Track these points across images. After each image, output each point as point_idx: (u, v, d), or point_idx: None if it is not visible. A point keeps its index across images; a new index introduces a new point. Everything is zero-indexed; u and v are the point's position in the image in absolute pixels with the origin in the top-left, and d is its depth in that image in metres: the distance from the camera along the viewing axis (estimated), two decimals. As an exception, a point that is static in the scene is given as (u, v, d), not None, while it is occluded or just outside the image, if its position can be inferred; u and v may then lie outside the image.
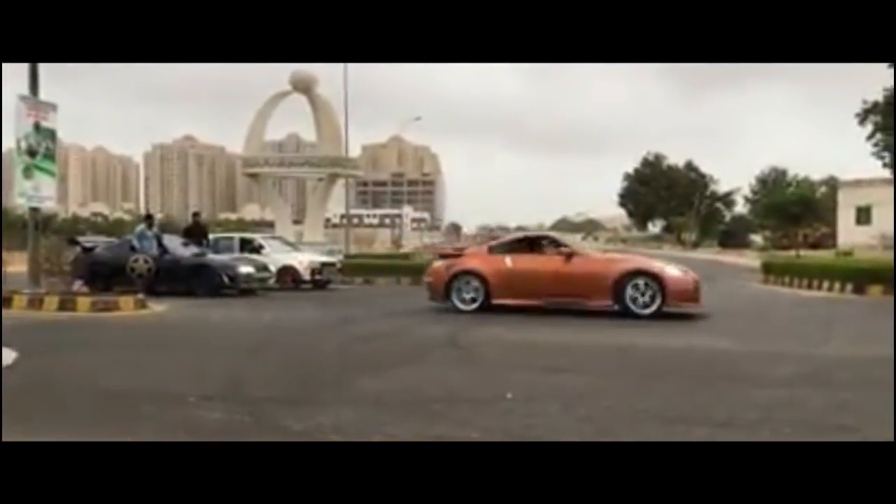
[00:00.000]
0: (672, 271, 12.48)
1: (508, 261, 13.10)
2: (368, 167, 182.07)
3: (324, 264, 19.68)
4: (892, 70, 25.61)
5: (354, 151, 79.46)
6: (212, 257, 17.47)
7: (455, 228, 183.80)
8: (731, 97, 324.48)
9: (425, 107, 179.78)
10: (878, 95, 26.70)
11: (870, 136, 27.13)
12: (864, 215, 50.29)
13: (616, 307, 12.25)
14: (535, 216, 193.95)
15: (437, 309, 13.48)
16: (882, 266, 19.11)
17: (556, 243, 13.63)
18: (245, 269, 16.89)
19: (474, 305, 12.93)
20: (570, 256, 12.85)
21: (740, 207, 73.58)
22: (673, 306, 12.06)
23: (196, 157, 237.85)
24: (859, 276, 17.54)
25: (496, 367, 7.82)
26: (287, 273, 18.75)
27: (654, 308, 12.00)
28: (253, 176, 41.63)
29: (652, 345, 9.37)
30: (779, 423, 5.28)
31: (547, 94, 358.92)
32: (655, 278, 12.16)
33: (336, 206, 61.47)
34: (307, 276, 18.92)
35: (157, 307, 13.49)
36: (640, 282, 12.15)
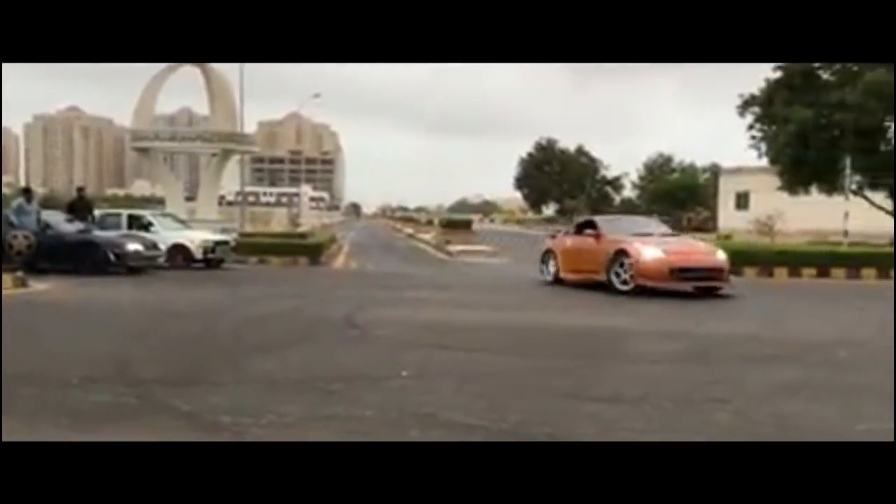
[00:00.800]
0: (649, 252, 12.97)
1: (569, 241, 15.07)
2: (265, 144, 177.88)
3: (217, 243, 19.16)
4: (768, 66, 27.06)
5: (250, 127, 77.39)
6: (97, 234, 16.73)
7: (355, 208, 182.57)
8: (621, 85, 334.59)
9: (325, 84, 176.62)
10: (756, 90, 28.15)
11: (750, 127, 28.57)
12: (742, 201, 53.19)
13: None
14: (434, 197, 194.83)
15: (334, 289, 13.42)
16: (756, 249, 20.33)
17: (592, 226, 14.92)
18: (133, 247, 16.26)
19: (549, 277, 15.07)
20: (598, 237, 14.07)
21: (629, 192, 76.34)
22: (644, 282, 12.71)
23: (82, 129, 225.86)
24: (736, 258, 18.57)
25: (392, 345, 7.89)
26: (178, 251, 18.16)
27: (631, 285, 12.80)
28: (142, 150, 40.10)
29: (548, 323, 9.66)
30: (660, 398, 5.59)
31: (446, 76, 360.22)
32: (630, 257, 12.92)
33: (231, 183, 59.85)
34: (199, 255, 18.38)
35: (39, 285, 12.84)
36: (623, 260, 13.07)
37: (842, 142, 25.40)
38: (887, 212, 27.93)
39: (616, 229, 14.51)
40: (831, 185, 27.31)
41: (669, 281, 12.67)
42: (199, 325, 9.21)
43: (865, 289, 15.91)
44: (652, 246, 13.09)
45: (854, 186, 26.49)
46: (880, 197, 28.06)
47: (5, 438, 3.84)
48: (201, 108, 58.40)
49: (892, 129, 26.76)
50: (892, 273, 17.82)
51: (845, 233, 23.10)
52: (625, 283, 12.93)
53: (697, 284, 12.96)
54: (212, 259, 18.58)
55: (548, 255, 15.40)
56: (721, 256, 13.48)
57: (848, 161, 24.01)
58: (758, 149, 28.96)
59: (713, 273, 13.00)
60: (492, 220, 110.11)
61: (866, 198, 27.99)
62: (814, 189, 28.85)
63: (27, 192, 16.79)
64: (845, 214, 22.80)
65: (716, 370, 6.83)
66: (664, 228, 15.87)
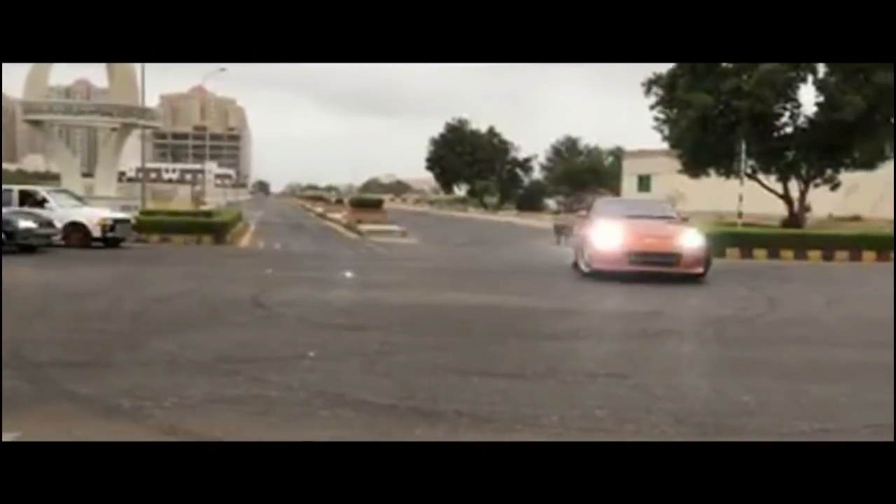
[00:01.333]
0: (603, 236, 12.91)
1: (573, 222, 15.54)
2: (168, 119, 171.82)
3: (117, 221, 18.44)
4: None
5: (152, 101, 74.48)
6: (-15, 211, 15.81)
7: (262, 186, 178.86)
8: (530, 69, 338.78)
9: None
10: (661, 71, 28.99)
11: (652, 107, 29.40)
12: (644, 183, 54.99)
13: None
14: (345, 176, 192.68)
15: (240, 269, 13.15)
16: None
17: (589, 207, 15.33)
18: (25, 224, 15.48)
19: None
20: (587, 219, 14.22)
21: (537, 173, 77.56)
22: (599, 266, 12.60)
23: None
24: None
25: (298, 326, 7.81)
26: (75, 229, 17.38)
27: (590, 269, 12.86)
28: (35, 123, 38.07)
29: (451, 302, 9.76)
30: (563, 373, 5.77)
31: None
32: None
33: (132, 159, 57.61)
34: (98, 234, 17.64)
35: (-82, 266, 12.05)
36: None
37: (738, 127, 26.52)
38: (778, 195, 29.39)
39: (606, 212, 14.26)
40: (728, 168, 28.50)
41: (626, 266, 12.27)
42: (98, 306, 8.87)
43: (756, 267, 16.75)
44: (613, 230, 12.74)
45: (748, 170, 27.74)
46: (772, 180, 29.49)
47: (5, 438, 3.73)
48: (99, 80, 55.71)
49: (784, 115, 28.08)
50: (778, 252, 18.92)
51: (739, 214, 24.22)
52: (587, 265, 12.86)
53: (655, 270, 12.30)
54: (111, 238, 17.88)
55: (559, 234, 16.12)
56: (686, 243, 12.69)
57: (743, 146, 25.11)
58: (661, 132, 29.88)
59: (673, 258, 12.43)
60: (403, 200, 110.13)
61: (759, 181, 29.36)
62: (712, 172, 30.02)
63: None
64: (740, 197, 23.87)
65: (617, 346, 7.09)
66: (667, 212, 15.06)
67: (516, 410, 4.70)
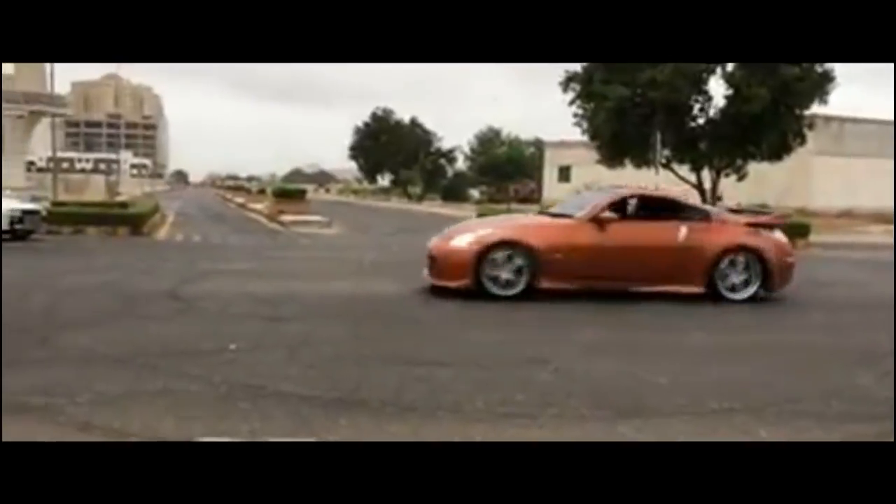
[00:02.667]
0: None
1: None
2: (80, 106, 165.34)
3: (25, 212, 17.69)
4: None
5: (63, 88, 71.60)
6: None
7: (181, 176, 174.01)
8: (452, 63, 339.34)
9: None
10: (577, 67, 29.56)
11: (571, 102, 29.96)
12: (565, 173, 56.00)
13: None
14: (267, 166, 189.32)
15: (157, 261, 12.81)
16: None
17: None
18: (-77, 218, 14.70)
19: None
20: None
21: (461, 164, 77.94)
22: None
23: None
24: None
25: (218, 318, 7.70)
26: (-22, 222, 16.60)
27: None
28: (-68, 110, 36.04)
29: (375, 291, 9.76)
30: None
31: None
32: None
33: (42, 148, 55.24)
34: (5, 226, 16.90)
35: None
36: None
37: (653, 118, 27.29)
38: (691, 184, 30.40)
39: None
40: (644, 158, 29.31)
41: None
42: (6, 301, 8.51)
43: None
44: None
45: (663, 160, 28.59)
46: (685, 170, 30.48)
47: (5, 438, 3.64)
48: (4, 66, 53.13)
49: (696, 107, 29.02)
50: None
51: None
52: None
53: None
54: (20, 230, 17.16)
55: None
56: None
57: (658, 136, 25.86)
58: (580, 125, 30.48)
59: None
60: (327, 191, 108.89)
61: (673, 171, 30.30)
62: (629, 163, 30.81)
63: None
64: (656, 187, 24.62)
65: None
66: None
67: (439, 398, 4.79)
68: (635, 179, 33.08)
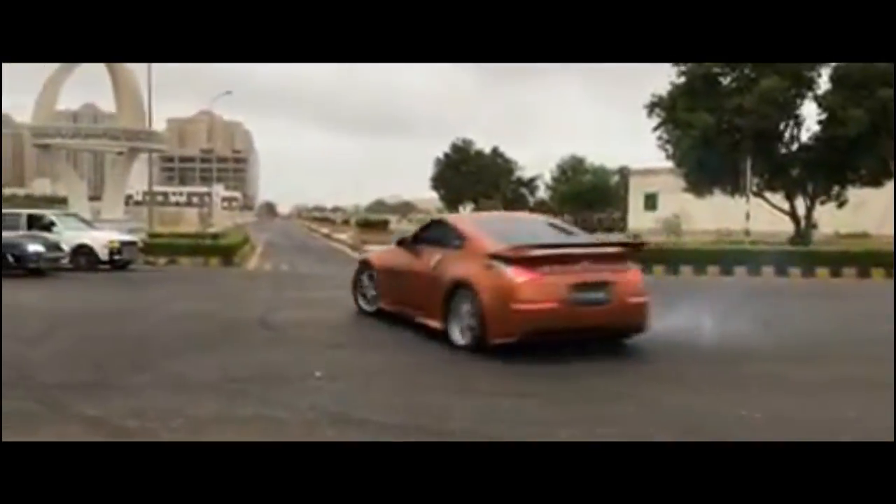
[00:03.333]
0: None
1: None
2: (175, 142, 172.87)
3: (124, 243, 18.53)
4: (673, 69, 28.04)
5: (159, 125, 75.08)
6: (-6, 235, 15.92)
7: (269, 208, 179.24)
8: (528, 89, 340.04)
9: (237, 81, 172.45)
10: (662, 90, 29.16)
11: (655, 128, 29.53)
12: (651, 202, 54.97)
13: None
14: (351, 198, 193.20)
15: (247, 291, 13.18)
16: (665, 248, 21.12)
17: None
18: (33, 248, 15.55)
19: None
20: None
21: (542, 193, 77.68)
22: None
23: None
24: (645, 258, 19.26)
25: (305, 346, 7.81)
26: (82, 252, 17.47)
27: None
28: (44, 147, 38.32)
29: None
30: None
31: (359, 75, 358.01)
32: None
33: (139, 182, 57.94)
34: (105, 256, 17.73)
35: (-72, 290, 12.12)
36: None
37: (742, 145, 26.57)
38: (784, 212, 29.36)
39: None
40: (733, 186, 28.52)
41: None
42: (105, 328, 8.90)
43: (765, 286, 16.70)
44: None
45: (754, 188, 27.77)
46: (778, 198, 29.49)
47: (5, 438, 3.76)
48: (107, 104, 56.20)
49: (787, 132, 28.12)
50: (788, 271, 18.83)
51: (747, 232, 24.20)
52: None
53: None
54: (118, 260, 17.97)
55: None
56: None
57: (748, 164, 25.16)
58: (665, 150, 29.98)
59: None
60: (409, 221, 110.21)
61: (765, 198, 29.36)
62: (717, 190, 30.04)
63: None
64: (746, 215, 23.89)
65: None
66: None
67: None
68: (725, 208, 32.31)
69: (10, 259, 15.02)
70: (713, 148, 27.19)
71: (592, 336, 7.43)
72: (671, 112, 28.57)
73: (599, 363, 6.91)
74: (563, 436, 4.38)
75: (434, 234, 8.99)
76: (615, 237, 27.88)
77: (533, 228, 8.95)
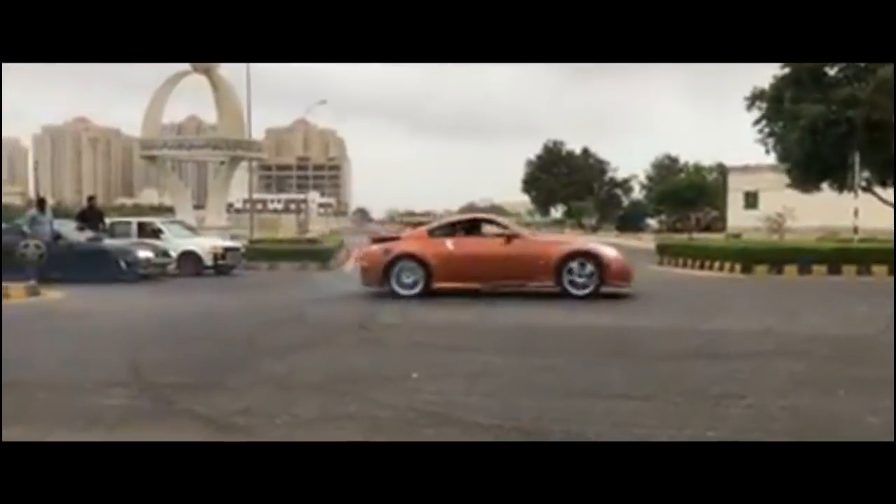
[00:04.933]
0: (609, 252, 12.66)
1: (450, 244, 12.94)
2: (272, 151, 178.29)
3: (227, 249, 19.26)
4: (773, 64, 26.97)
5: (258, 134, 77.61)
6: (108, 242, 16.83)
7: (362, 213, 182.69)
8: (622, 85, 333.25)
9: (329, 89, 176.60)
10: (762, 84, 28.09)
11: (756, 122, 28.45)
12: (751, 199, 53.02)
13: (557, 288, 12.30)
14: (441, 201, 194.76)
15: (345, 294, 13.45)
16: (767, 247, 20.30)
17: (497, 225, 13.92)
18: (144, 254, 16.35)
19: (414, 290, 12.50)
20: (510, 238, 12.86)
21: (637, 193, 76.19)
22: (610, 286, 12.26)
23: (90, 140, 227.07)
24: (747, 257, 18.57)
25: (402, 347, 7.90)
26: (189, 258, 18.25)
27: (591, 288, 12.14)
28: (150, 159, 40.23)
29: (553, 323, 9.65)
30: (671, 393, 5.59)
31: (447, 77, 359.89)
32: (594, 259, 12.33)
33: (239, 190, 60.10)
34: (209, 262, 18.47)
35: (52, 294, 12.92)
36: (576, 263, 12.27)
37: (852, 138, 25.26)
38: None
39: None
40: (842, 181, 27.17)
41: None
42: (211, 330, 9.26)
43: (876, 286, 15.81)
44: None
45: (863, 183, 26.37)
46: (889, 193, 27.91)
47: (5, 438, 3.84)
48: (209, 116, 58.76)
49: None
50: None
51: (855, 229, 23.01)
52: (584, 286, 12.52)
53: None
54: (222, 265, 18.68)
55: None
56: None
57: (857, 157, 23.89)
58: (766, 145, 28.84)
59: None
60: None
61: (876, 194, 27.85)
62: (824, 186, 28.70)
63: (41, 203, 16.87)
64: (855, 211, 22.72)
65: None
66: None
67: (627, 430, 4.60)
68: (831, 204, 30.82)
69: (122, 265, 15.82)
70: (821, 141, 25.94)
71: None
72: (775, 104, 27.44)
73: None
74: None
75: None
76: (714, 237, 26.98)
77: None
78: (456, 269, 12.67)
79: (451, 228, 13.61)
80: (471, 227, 13.69)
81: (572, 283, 12.20)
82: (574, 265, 12.27)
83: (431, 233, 13.40)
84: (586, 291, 12.11)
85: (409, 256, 12.69)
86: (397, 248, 12.94)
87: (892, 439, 3.93)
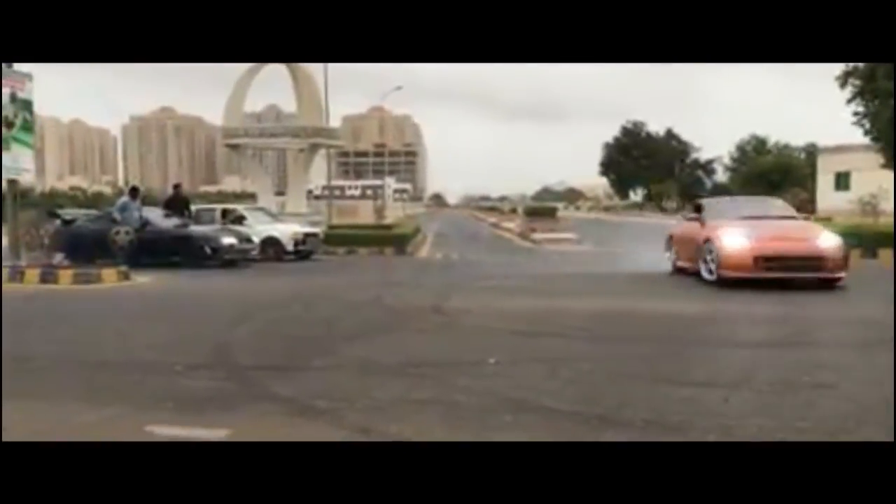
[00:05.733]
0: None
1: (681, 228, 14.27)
2: (349, 138, 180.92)
3: (307, 235, 19.64)
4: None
5: (335, 122, 78.83)
6: (194, 228, 17.38)
7: (437, 199, 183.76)
8: (703, 65, 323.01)
9: (403, 75, 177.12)
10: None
11: (849, 101, 27.20)
12: (843, 181, 50.80)
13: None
14: (517, 186, 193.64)
15: (420, 278, 13.55)
16: (860, 231, 19.42)
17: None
18: (228, 240, 16.82)
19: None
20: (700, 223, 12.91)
21: (720, 175, 74.01)
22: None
23: (174, 128, 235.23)
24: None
25: (480, 332, 7.89)
26: (270, 244, 18.69)
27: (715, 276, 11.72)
28: (233, 147, 41.35)
29: (626, 309, 9.48)
30: (759, 382, 5.42)
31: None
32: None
33: (318, 177, 61.18)
34: (290, 247, 18.88)
35: (141, 279, 13.44)
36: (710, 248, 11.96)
37: (951, 115, 23.89)
38: None
39: (722, 213, 13.17)
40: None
41: (759, 272, 11.28)
42: (293, 314, 9.46)
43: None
44: (740, 233, 11.75)
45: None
46: None
47: (5, 438, 3.91)
48: (288, 104, 59.97)
49: None
50: None
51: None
52: (711, 271, 11.88)
53: (790, 275, 11.34)
54: (302, 251, 19.06)
55: (668, 242, 14.51)
56: (826, 244, 11.65)
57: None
58: (862, 125, 27.54)
59: (811, 262, 11.42)
60: (577, 208, 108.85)
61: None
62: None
63: (134, 191, 17.52)
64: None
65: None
66: (784, 210, 13.88)
67: (708, 420, 4.48)
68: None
69: (207, 251, 16.33)
70: (917, 119, 24.64)
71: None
72: (870, 81, 26.18)
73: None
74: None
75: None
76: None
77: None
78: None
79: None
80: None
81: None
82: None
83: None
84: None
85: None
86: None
87: (892, 439, 3.85)
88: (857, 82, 26.65)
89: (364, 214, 53.21)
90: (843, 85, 26.92)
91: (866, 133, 27.97)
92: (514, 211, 52.07)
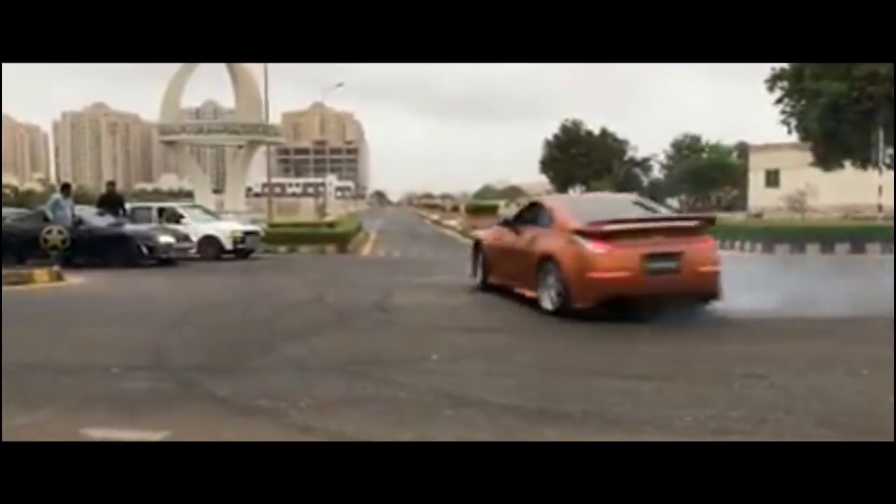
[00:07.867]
0: None
1: None
2: (290, 135, 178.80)
3: (247, 233, 19.36)
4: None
5: (275, 119, 77.81)
6: (129, 227, 16.94)
7: (380, 197, 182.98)
8: (637, 65, 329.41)
9: (346, 72, 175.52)
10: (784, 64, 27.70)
11: (777, 101, 28.13)
12: (772, 178, 52.50)
13: None
14: (459, 184, 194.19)
15: (363, 276, 13.48)
16: (788, 227, 20.15)
17: None
18: (165, 239, 16.47)
19: None
20: None
21: (657, 173, 75.58)
22: None
23: (109, 125, 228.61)
24: (768, 236, 18.45)
25: (420, 329, 7.93)
26: (209, 243, 18.36)
27: None
28: (170, 144, 40.60)
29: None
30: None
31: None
32: None
33: (257, 174, 60.42)
34: (229, 246, 18.58)
35: (75, 279, 13.07)
36: None
37: (875, 115, 24.91)
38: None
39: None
40: (865, 159, 26.83)
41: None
42: (234, 314, 9.35)
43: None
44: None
45: (888, 160, 26.02)
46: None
47: (5, 438, 3.86)
48: (226, 100, 59.05)
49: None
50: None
51: (879, 207, 22.76)
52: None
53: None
54: (242, 249, 18.79)
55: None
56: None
57: (881, 134, 23.57)
58: (788, 124, 28.53)
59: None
60: (518, 205, 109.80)
61: (900, 171, 27.49)
62: (847, 164, 28.35)
63: (66, 188, 16.99)
64: (879, 189, 22.46)
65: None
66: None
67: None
68: (853, 182, 30.42)
69: (144, 250, 15.96)
70: (843, 118, 25.63)
71: (665, 302, 8.01)
72: (797, 82, 27.13)
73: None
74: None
75: (531, 214, 10.04)
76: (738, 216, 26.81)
77: (616, 207, 9.92)
78: None
79: None
80: None
81: None
82: None
83: None
84: None
85: None
86: None
87: (892, 439, 3.91)
88: (785, 84, 27.57)
89: (305, 212, 52.71)
90: (770, 88, 27.83)
91: (790, 131, 28.97)
92: (455, 209, 52.24)
